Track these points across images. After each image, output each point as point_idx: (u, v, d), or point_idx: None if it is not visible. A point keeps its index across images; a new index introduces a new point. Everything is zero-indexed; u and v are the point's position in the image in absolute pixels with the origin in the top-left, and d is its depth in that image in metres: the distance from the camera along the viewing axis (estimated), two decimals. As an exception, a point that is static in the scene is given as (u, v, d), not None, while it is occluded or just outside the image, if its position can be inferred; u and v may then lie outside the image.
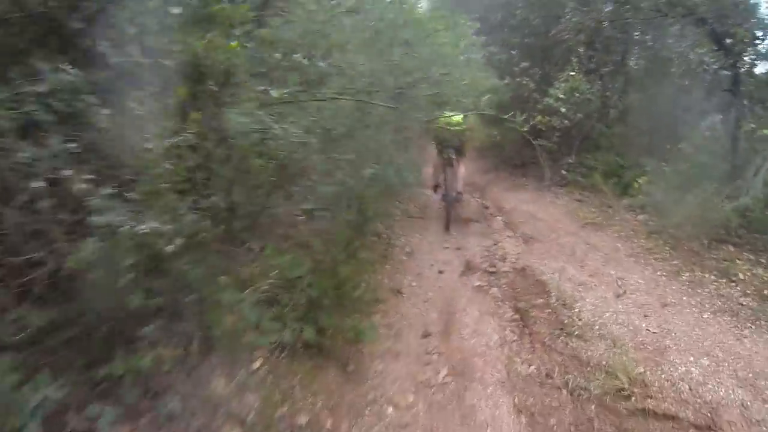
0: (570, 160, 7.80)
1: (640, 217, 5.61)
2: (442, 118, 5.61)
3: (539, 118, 7.21)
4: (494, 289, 4.48)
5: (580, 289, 4.19)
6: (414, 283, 4.55)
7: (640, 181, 5.92)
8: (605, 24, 7.25)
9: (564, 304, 3.93)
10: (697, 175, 5.20)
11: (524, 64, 8.54)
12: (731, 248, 4.64)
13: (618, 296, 4.08)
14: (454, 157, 6.04)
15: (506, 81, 8.25)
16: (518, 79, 8.35)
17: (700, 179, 5.14)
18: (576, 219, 6.01)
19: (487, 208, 7.39)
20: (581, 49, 7.87)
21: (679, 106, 7.17)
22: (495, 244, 5.69)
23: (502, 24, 9.33)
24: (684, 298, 4.03)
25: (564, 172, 7.75)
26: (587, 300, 3.98)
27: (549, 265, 4.74)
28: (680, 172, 5.35)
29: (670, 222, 5.08)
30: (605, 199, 6.42)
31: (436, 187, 6.36)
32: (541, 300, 4.12)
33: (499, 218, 6.72)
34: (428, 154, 7.61)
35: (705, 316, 3.77)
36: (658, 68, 7.40)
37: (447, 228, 6.02)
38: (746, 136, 5.34)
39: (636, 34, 8.04)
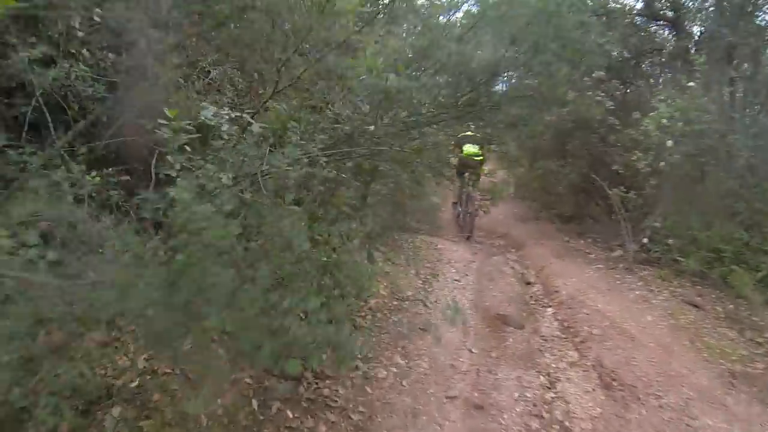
0: (656, 223, 5.01)
1: None
2: (465, 149, 6.48)
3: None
4: None
5: None
6: None
7: None
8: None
9: None
10: None
11: (599, 73, 5.70)
12: None
13: None
14: (471, 180, 6.44)
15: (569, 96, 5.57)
16: (589, 94, 5.53)
17: None
18: (704, 353, 3.19)
19: (529, 283, 4.66)
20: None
21: None
22: (548, 389, 2.96)
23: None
24: None
25: (645, 240, 4.97)
26: None
27: None
28: None
29: None
30: (738, 307, 3.64)
31: (455, 204, 7.02)
32: None
33: (551, 314, 3.97)
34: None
35: None
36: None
37: (468, 238, 6.35)
38: None
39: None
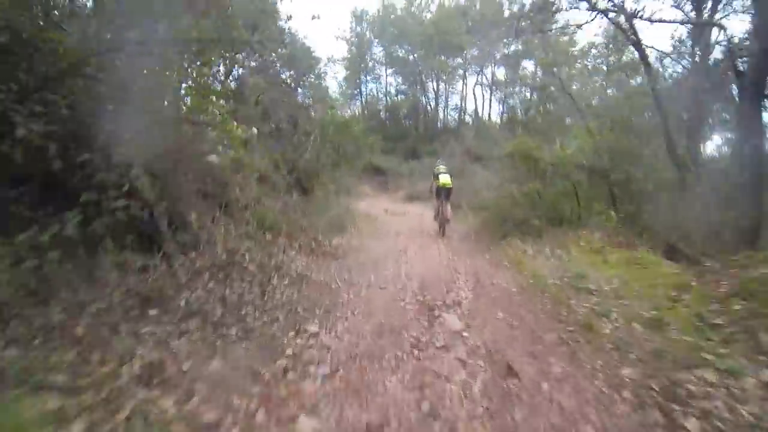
0: None
1: None
2: (441, 180, 9.25)
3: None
4: None
5: None
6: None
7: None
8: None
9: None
10: None
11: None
12: None
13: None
14: (445, 199, 9.15)
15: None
16: None
17: None
18: None
19: None
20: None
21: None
22: None
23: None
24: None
25: None
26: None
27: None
28: None
29: None
30: None
31: (436, 216, 9.69)
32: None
33: None
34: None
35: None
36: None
37: (442, 234, 9.14)
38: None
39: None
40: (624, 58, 17.20)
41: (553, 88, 22.42)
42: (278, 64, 18.92)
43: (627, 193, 8.48)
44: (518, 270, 5.81)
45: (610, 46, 20.53)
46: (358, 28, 30.21)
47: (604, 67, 21.51)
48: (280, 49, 19.21)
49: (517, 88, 30.07)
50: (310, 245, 6.45)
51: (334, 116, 13.60)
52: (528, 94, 28.87)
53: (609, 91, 19.33)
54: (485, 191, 11.88)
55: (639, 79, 15.88)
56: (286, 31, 19.27)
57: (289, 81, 19.17)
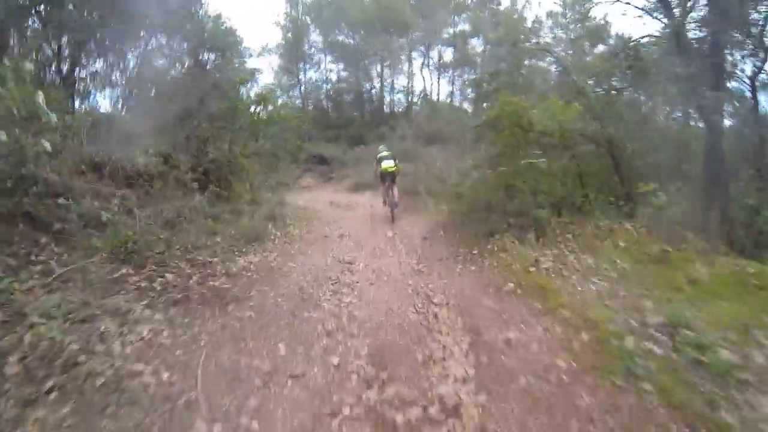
0: None
1: None
2: (383, 165, 8.91)
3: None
4: None
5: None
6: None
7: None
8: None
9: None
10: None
11: None
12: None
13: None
14: (391, 183, 8.86)
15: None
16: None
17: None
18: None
19: None
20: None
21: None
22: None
23: None
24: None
25: None
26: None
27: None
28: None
29: None
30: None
31: (384, 201, 9.38)
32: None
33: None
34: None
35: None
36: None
37: (392, 220, 8.60)
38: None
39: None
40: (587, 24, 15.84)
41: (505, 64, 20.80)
42: (193, 44, 16.32)
43: (645, 166, 6.29)
44: (544, 305, 3.35)
45: (569, 14, 19.24)
46: (294, 12, 27.39)
47: (564, 36, 20.05)
48: (187, 25, 16.31)
49: (467, 67, 28.29)
50: (189, 279, 3.78)
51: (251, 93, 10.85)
52: (478, 71, 27.08)
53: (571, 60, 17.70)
54: (449, 176, 9.65)
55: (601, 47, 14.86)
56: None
57: (213, 64, 16.78)
